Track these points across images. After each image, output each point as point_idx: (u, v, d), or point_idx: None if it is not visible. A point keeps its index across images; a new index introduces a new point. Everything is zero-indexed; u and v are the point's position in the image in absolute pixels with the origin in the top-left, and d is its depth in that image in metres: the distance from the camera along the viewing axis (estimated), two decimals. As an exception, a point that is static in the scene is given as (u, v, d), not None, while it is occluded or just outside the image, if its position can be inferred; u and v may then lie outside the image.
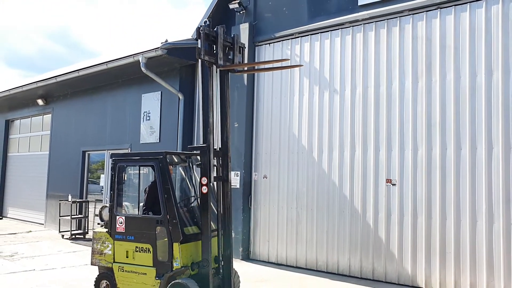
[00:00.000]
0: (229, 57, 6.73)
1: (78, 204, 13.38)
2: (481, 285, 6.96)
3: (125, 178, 6.99)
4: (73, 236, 12.82)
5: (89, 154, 14.13)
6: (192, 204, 7.00)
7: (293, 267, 9.06)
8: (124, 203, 7.02)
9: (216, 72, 6.53)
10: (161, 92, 11.56)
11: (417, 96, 7.81)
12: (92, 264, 6.94)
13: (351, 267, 8.37)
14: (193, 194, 7.17)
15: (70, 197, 13.31)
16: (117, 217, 6.70)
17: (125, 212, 6.92)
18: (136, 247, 6.50)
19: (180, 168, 7.16)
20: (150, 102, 11.85)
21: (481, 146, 7.12)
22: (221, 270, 6.58)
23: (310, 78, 9.19)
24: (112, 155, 6.90)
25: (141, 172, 7.27)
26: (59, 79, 13.20)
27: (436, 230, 7.44)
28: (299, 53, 9.39)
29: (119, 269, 6.59)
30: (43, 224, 15.41)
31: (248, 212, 9.82)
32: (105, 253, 6.77)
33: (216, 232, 6.57)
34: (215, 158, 6.52)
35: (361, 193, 8.34)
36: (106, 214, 7.07)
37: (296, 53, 9.42)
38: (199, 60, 6.30)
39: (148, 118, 11.88)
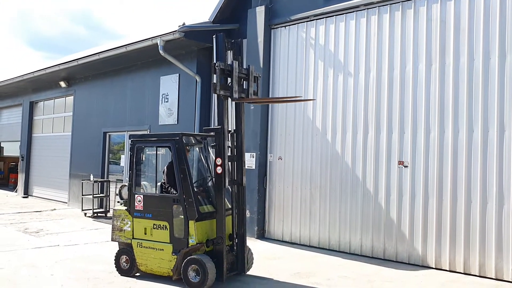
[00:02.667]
0: (244, 87, 6.93)
1: (99, 183, 13.80)
2: (490, 266, 7.08)
3: (143, 159, 7.25)
4: (95, 214, 13.27)
5: (109, 135, 14.51)
6: (208, 184, 7.24)
7: (306, 246, 9.30)
8: (142, 182, 7.32)
9: (232, 102, 6.70)
10: (179, 75, 11.78)
11: (431, 79, 7.85)
12: (112, 240, 7.28)
13: (362, 247, 8.56)
14: (208, 174, 7.41)
15: (92, 176, 13.74)
16: (136, 195, 7.00)
17: (143, 191, 7.21)
18: (154, 224, 6.80)
19: (196, 149, 7.39)
20: (169, 84, 12.08)
21: (493, 129, 7.17)
22: (235, 247, 6.85)
23: (325, 61, 9.27)
24: (130, 136, 7.17)
25: (159, 152, 7.55)
26: (80, 61, 13.50)
27: (447, 211, 7.56)
28: (314, 36, 9.46)
29: (138, 245, 6.91)
30: (66, 202, 15.94)
31: (263, 192, 10.06)
32: (124, 230, 7.09)
33: (231, 211, 6.83)
34: (229, 139, 6.75)
35: (373, 174, 8.47)
36: (125, 193, 7.37)
37: (311, 36, 9.50)
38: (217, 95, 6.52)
39: (166, 100, 12.13)
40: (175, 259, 6.57)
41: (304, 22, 9.63)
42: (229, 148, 6.82)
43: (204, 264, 6.27)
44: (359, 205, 8.63)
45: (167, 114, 12.05)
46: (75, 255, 8.43)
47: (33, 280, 6.74)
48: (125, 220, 7.11)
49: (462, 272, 7.33)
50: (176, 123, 11.74)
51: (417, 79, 8.00)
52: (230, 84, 6.67)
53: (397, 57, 8.27)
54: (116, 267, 7.17)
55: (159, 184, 7.48)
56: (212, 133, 6.86)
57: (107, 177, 14.35)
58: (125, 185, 7.43)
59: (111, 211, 13.66)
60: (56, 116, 17.57)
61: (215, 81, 6.45)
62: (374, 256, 8.38)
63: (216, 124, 10.23)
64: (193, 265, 6.38)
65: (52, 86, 17.15)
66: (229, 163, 6.72)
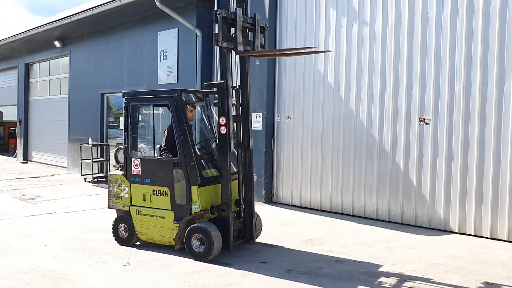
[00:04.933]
0: (250, 39, 6.13)
1: (98, 147, 13.21)
2: (520, 230, 6.51)
3: (140, 119, 6.60)
4: (95, 179, 12.75)
5: (107, 97, 13.82)
6: (211, 146, 6.60)
7: (317, 210, 8.75)
8: (140, 145, 6.70)
9: (236, 56, 5.94)
10: (178, 29, 10.96)
11: (457, 26, 7.05)
12: (109, 207, 6.74)
13: (378, 211, 7.98)
14: (211, 135, 6.77)
15: (90, 140, 13.13)
16: (133, 159, 6.40)
17: (141, 154, 6.59)
18: (153, 190, 6.22)
19: (197, 107, 6.71)
20: (167, 40, 11.29)
21: (528, 80, 6.44)
22: (242, 214, 6.29)
23: (337, 8, 8.44)
24: (124, 94, 6.50)
25: (157, 112, 6.91)
26: (73, 18, 12.67)
27: (473, 172, 6.93)
28: (325, -18, 8.59)
29: (137, 213, 6.36)
30: (66, 167, 15.43)
31: (271, 154, 9.43)
32: (121, 196, 6.53)
33: (237, 175, 6.22)
34: (233, 97, 6.06)
35: (391, 133, 7.80)
36: (121, 156, 6.77)
37: (322, -18, 8.63)
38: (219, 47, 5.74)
39: (165, 57, 11.36)
40: (177, 227, 6.01)
41: (314, -34, 8.74)
42: (234, 107, 6.13)
43: (209, 233, 5.71)
44: (375, 167, 8.00)
45: (167, 73, 11.31)
46: (71, 223, 7.92)
47: (24, 252, 6.23)
48: (122, 185, 6.53)
49: (489, 237, 6.76)
50: (176, 82, 11.02)
51: (441, 26, 7.20)
52: (233, 35, 5.92)
53: (418, 2, 7.44)
54: (114, 236, 6.64)
55: (157, 146, 6.87)
56: (214, 90, 6.17)
57: (107, 141, 13.74)
58: (121, 148, 6.80)
59: (111, 175, 13.16)
60: (53, 78, 16.84)
61: (216, 31, 5.71)
62: (391, 220, 7.81)
63: (219, 80, 9.60)
64: (197, 234, 5.83)
65: (47, 47, 16.33)
66: (234, 123, 6.05)
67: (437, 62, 7.26)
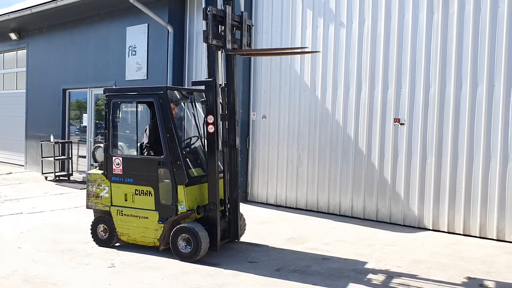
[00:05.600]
0: (236, 37, 6.12)
1: (60, 145, 12.74)
2: (491, 227, 6.82)
3: (120, 116, 6.42)
4: (57, 178, 12.29)
5: (69, 92, 13.33)
6: (195, 145, 6.51)
7: (293, 209, 8.82)
8: (120, 143, 6.52)
9: (223, 53, 5.92)
10: (148, 25, 10.73)
11: (432, 29, 7.29)
12: (87, 207, 6.52)
13: (353, 208, 8.15)
14: (195, 134, 6.69)
15: (52, 137, 12.65)
16: (113, 158, 6.22)
17: (121, 152, 6.42)
18: (136, 190, 6.08)
19: (182, 105, 6.61)
20: (136, 36, 11.02)
21: (499, 83, 6.75)
22: (227, 213, 6.25)
23: (314, 9, 8.53)
24: (105, 90, 6.31)
25: (137, 109, 6.75)
26: (34, 10, 12.12)
27: (446, 170, 7.20)
28: (301, -18, 8.66)
29: (118, 213, 6.20)
30: (23, 165, 14.78)
31: (246, 153, 9.42)
32: (101, 196, 6.34)
33: (222, 175, 6.17)
34: (220, 94, 6.01)
35: (366, 133, 7.98)
36: (100, 155, 6.57)
37: (299, -18, 8.70)
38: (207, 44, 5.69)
39: (134, 53, 11.09)
40: (162, 228, 5.90)
41: (290, -34, 8.79)
42: (220, 106, 6.08)
43: (197, 233, 5.64)
44: (351, 165, 8.16)
45: (135, 69, 11.04)
46: (42, 224, 7.60)
47: (-2, 255, 5.93)
48: (102, 185, 6.33)
49: (462, 233, 7.05)
50: (146, 78, 10.78)
51: (417, 29, 7.43)
52: (221, 33, 5.86)
53: (394, 5, 7.64)
54: (93, 237, 6.43)
55: (138, 144, 6.71)
56: (200, 87, 6.10)
57: (68, 138, 13.27)
58: (100, 146, 6.61)
59: (74, 174, 12.76)
60: (7, 71, 16.06)
61: (205, 28, 5.64)
62: (366, 217, 8.00)
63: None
64: (183, 234, 5.74)
65: (0, 39, 15.55)
66: (220, 122, 6.00)
67: (412, 64, 7.49)
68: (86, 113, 12.64)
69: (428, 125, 7.36)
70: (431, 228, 7.34)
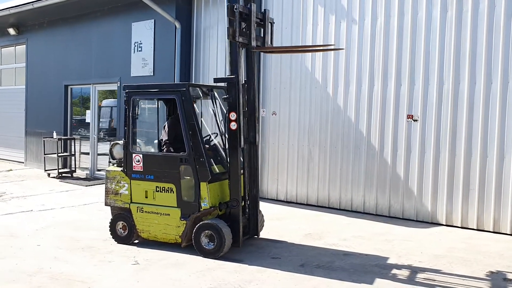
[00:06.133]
0: (259, 35, 6.13)
1: (62, 141, 12.63)
2: (505, 222, 6.92)
3: (138, 113, 6.39)
4: (60, 175, 12.20)
5: (71, 89, 13.22)
6: (215, 141, 6.51)
7: (303, 205, 8.86)
8: (139, 140, 6.50)
9: (243, 50, 5.91)
10: (155, 20, 10.67)
11: (446, 26, 7.35)
12: (106, 204, 6.50)
13: (365, 204, 8.21)
14: (214, 131, 6.68)
15: (55, 134, 12.53)
16: (133, 155, 6.19)
17: (139, 149, 6.40)
18: (157, 186, 6.06)
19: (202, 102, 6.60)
20: (142, 32, 10.95)
21: (514, 80, 6.84)
22: (247, 210, 6.26)
23: (326, 6, 8.55)
24: (125, 87, 6.27)
25: (150, 106, 6.75)
26: (36, 5, 11.97)
27: (460, 166, 7.27)
28: (313, -21, 8.67)
29: (138, 210, 6.18)
30: (23, 162, 14.63)
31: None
32: (121, 193, 6.31)
33: (242, 171, 6.18)
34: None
35: (379, 129, 8.03)
36: (117, 152, 6.56)
37: (310, -21, 8.71)
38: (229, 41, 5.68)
39: (139, 49, 11.03)
40: (184, 225, 5.90)
41: (301, -38, 8.79)
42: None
43: (221, 230, 5.65)
44: (363, 162, 8.21)
45: (141, 65, 10.98)
46: (54, 221, 7.55)
47: (19, 252, 5.88)
48: (121, 182, 6.31)
49: (475, 228, 7.14)
50: (152, 74, 10.73)
51: (431, 26, 7.48)
52: (244, 30, 5.86)
53: (408, 2, 7.68)
54: (111, 234, 6.41)
55: (156, 141, 6.71)
56: (221, 84, 6.09)
57: (70, 135, 13.17)
58: (118, 143, 6.58)
59: (77, 171, 12.67)
60: (5, 67, 15.86)
61: (228, 25, 5.64)
62: (379, 213, 8.06)
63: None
64: (206, 231, 5.75)
65: (-2, 34, 15.37)
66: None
67: (426, 61, 7.55)
68: (90, 109, 12.55)
69: (442, 121, 7.43)
70: (444, 223, 7.42)
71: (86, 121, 12.81)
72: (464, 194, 7.25)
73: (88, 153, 12.79)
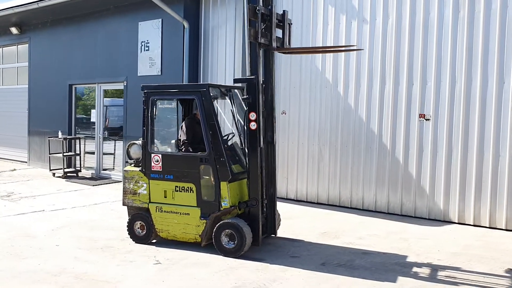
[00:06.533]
0: (277, 36, 6.18)
1: (67, 141, 12.60)
2: (518, 219, 7.02)
3: (156, 113, 6.40)
4: (65, 175, 12.17)
5: (75, 88, 13.19)
6: (231, 142, 6.53)
7: (314, 203, 8.91)
8: (157, 140, 6.52)
9: (263, 51, 5.94)
10: (162, 20, 10.67)
11: (458, 26, 7.42)
12: (124, 204, 6.52)
13: (377, 203, 8.27)
14: (232, 131, 6.72)
15: (60, 133, 12.51)
16: (152, 155, 6.21)
17: (157, 149, 6.42)
18: (176, 186, 6.09)
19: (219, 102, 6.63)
20: (149, 31, 10.95)
21: (526, 79, 6.92)
22: (264, 209, 6.29)
23: (336, 6, 8.59)
24: (143, 87, 6.29)
25: (164, 106, 6.77)
26: (42, 4, 11.94)
27: (472, 165, 7.35)
28: (323, -21, 8.71)
29: (157, 210, 6.20)
30: (26, 162, 14.59)
31: (265, 148, 9.44)
32: (139, 193, 6.33)
33: (260, 170, 6.21)
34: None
35: (390, 128, 8.09)
36: (134, 152, 6.58)
37: (320, -22, 8.74)
38: (249, 42, 5.70)
39: (146, 48, 11.02)
40: (204, 224, 5.93)
41: (311, -38, 8.82)
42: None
43: (241, 229, 5.69)
44: (374, 161, 8.27)
45: (149, 64, 10.98)
46: (68, 221, 7.55)
47: (39, 253, 5.89)
48: (140, 182, 6.33)
49: (488, 226, 7.22)
50: (160, 74, 10.73)
51: (443, 26, 7.54)
52: (264, 31, 5.89)
53: (420, 2, 7.74)
54: (129, 234, 6.42)
55: (173, 141, 6.73)
56: (239, 85, 6.12)
57: (75, 134, 13.15)
58: (135, 143, 6.60)
59: (82, 170, 12.65)
60: (7, 66, 15.79)
61: (247, 26, 5.67)
62: (390, 212, 8.13)
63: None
64: (227, 230, 5.78)
65: (0, 33, 15.28)
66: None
67: (438, 60, 7.61)
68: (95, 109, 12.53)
69: (454, 120, 7.50)
70: (456, 221, 7.50)
71: (92, 120, 12.79)
72: (476, 192, 7.33)
73: (91, 153, 12.80)
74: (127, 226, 6.43)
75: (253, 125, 5.80)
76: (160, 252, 5.99)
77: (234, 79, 6.14)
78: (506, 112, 7.08)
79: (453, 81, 7.49)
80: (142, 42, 11.10)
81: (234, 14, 9.88)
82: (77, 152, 12.71)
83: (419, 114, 7.81)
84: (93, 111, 12.74)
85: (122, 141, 11.66)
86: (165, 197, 6.17)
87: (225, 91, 6.50)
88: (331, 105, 8.70)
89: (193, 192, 5.99)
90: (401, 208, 8.04)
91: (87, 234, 6.81)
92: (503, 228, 7.10)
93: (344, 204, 8.62)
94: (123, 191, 6.46)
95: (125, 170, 6.49)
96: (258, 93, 5.79)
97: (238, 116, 6.55)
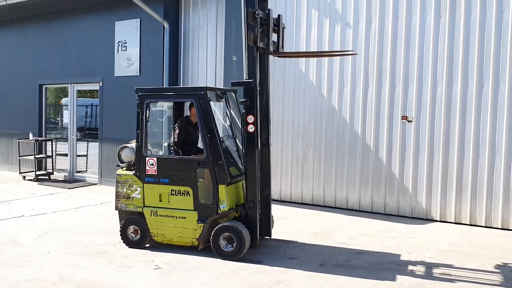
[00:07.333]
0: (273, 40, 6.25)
1: (38, 143, 12.21)
2: (496, 217, 7.35)
3: (149, 116, 6.33)
4: (37, 178, 11.80)
5: (46, 88, 12.80)
6: (226, 144, 6.54)
7: (298, 203, 9.04)
8: (150, 143, 6.45)
9: (259, 54, 5.96)
10: (140, 20, 10.51)
11: (439, 31, 7.70)
12: (116, 209, 6.42)
13: (361, 202, 8.48)
14: (227, 133, 6.72)
15: (31, 135, 12.10)
16: (147, 158, 6.14)
17: (150, 153, 6.35)
18: (172, 190, 6.05)
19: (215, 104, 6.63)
20: (127, 31, 10.76)
21: (504, 83, 7.25)
22: (259, 211, 6.34)
23: (320, 9, 8.73)
24: (137, 90, 6.20)
25: (156, 108, 6.71)
26: (10, 1, 11.52)
27: (453, 165, 7.65)
28: (306, -18, 8.84)
29: (152, 214, 6.15)
30: (-11, 164, 14.03)
31: (249, 149, 9.49)
32: (133, 197, 6.25)
33: (254, 172, 6.25)
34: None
35: (374, 129, 8.30)
36: (126, 155, 6.48)
37: (303, -18, 8.86)
38: (247, 46, 5.77)
39: (124, 48, 10.83)
40: (201, 228, 5.92)
41: (293, -35, 8.93)
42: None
43: (240, 232, 5.72)
44: (358, 161, 8.47)
45: (126, 65, 10.79)
46: (53, 226, 7.36)
47: (32, 260, 5.71)
48: (133, 186, 6.24)
49: (468, 223, 7.54)
50: (138, 74, 10.56)
51: (425, 31, 7.81)
52: (261, 35, 5.93)
53: (402, 7, 7.97)
54: (122, 238, 6.33)
55: (165, 144, 6.68)
56: (234, 88, 6.16)
57: (45, 136, 12.76)
58: (126, 146, 6.49)
59: (55, 173, 12.30)
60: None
61: (246, 30, 5.71)
62: (374, 211, 8.35)
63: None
64: (225, 233, 5.80)
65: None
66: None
67: (420, 65, 7.87)
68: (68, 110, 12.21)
69: (436, 123, 7.78)
70: (438, 220, 7.79)
71: (64, 121, 12.47)
72: (457, 192, 7.63)
73: (63, 155, 12.48)
74: (120, 231, 6.33)
75: (251, 128, 5.84)
76: (157, 256, 5.93)
77: (231, 82, 6.13)
78: (485, 115, 7.40)
79: (435, 85, 7.77)
80: (119, 42, 10.90)
81: (216, 15, 9.86)
82: (49, 154, 12.35)
83: (402, 116, 8.06)
84: (65, 112, 12.41)
85: (97, 142, 11.41)
86: (161, 201, 6.11)
87: (221, 94, 6.51)
88: (315, 107, 8.84)
89: (190, 195, 5.97)
90: (385, 207, 8.27)
91: (76, 239, 6.66)
92: (483, 225, 7.44)
93: (328, 204, 8.78)
94: (116, 195, 6.35)
95: (117, 174, 6.38)
96: (255, 96, 5.83)
97: (232, 119, 6.56)
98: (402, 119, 8.06)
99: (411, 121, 7.99)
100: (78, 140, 12.16)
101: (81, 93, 12.30)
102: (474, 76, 7.46)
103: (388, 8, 8.10)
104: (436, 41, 7.73)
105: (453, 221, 7.68)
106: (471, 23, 7.47)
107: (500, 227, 7.32)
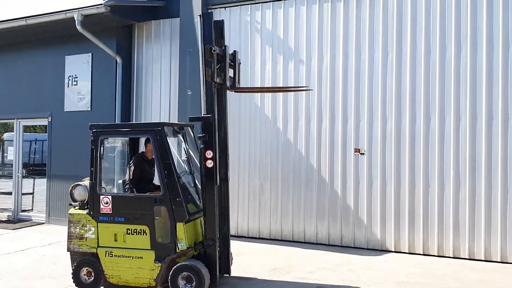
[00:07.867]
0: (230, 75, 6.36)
1: (-20, 181, 11.61)
2: (448, 246, 7.58)
3: (103, 153, 6.17)
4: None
5: (-10, 124, 12.28)
6: (183, 181, 6.45)
7: (255, 238, 8.97)
8: (104, 181, 6.26)
9: (217, 89, 6.05)
10: (92, 54, 10.37)
11: (387, 67, 8.04)
12: (68, 250, 6.15)
13: (318, 235, 8.53)
14: (184, 169, 6.64)
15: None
16: (101, 196, 5.95)
17: (105, 191, 6.17)
18: (128, 229, 5.88)
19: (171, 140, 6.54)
20: (78, 65, 10.56)
21: (450, 117, 7.62)
22: (218, 248, 6.24)
23: (273, 46, 8.94)
24: (92, 126, 6.05)
25: (110, 145, 6.57)
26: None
27: (405, 196, 7.88)
28: (260, 20, 9.05)
29: (107, 254, 5.92)
30: None
31: (204, 184, 9.40)
32: (86, 237, 6.01)
33: (212, 209, 6.18)
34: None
35: (328, 162, 8.46)
36: (79, 194, 6.26)
37: (257, 20, 9.07)
38: (205, 81, 5.86)
39: (75, 83, 10.60)
40: (159, 267, 5.74)
41: (248, 4, 9.13)
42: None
43: (200, 271, 5.60)
44: (314, 194, 8.56)
45: (77, 99, 10.55)
46: (6, 270, 6.92)
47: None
48: (87, 226, 6.00)
49: (422, 253, 7.73)
50: (89, 109, 10.35)
51: (373, 67, 8.14)
52: (218, 71, 5.98)
53: (351, 45, 8.30)
54: (74, 281, 6.03)
55: (120, 181, 6.51)
56: (191, 123, 6.13)
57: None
58: (79, 184, 6.27)
59: (-2, 213, 11.68)
60: None
61: (204, 67, 5.78)
62: (331, 243, 8.41)
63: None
64: (184, 273, 5.65)
65: None
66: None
67: (370, 99, 8.16)
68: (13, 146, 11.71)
69: (387, 155, 8.03)
70: (393, 250, 7.94)
71: (8, 158, 11.93)
72: (410, 222, 7.84)
73: (7, 193, 11.91)
74: (72, 273, 6.04)
75: (209, 163, 5.81)
76: (113, 299, 5.69)
77: (190, 117, 6.12)
78: (433, 146, 7.72)
79: (384, 119, 8.06)
80: (70, 76, 10.67)
81: (169, 50, 9.89)
82: (-8, 193, 11.74)
83: (355, 149, 8.27)
84: (10, 148, 11.89)
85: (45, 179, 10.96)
86: (116, 240, 5.90)
87: (178, 129, 6.46)
88: (271, 140, 8.93)
89: (146, 234, 5.80)
90: (341, 239, 8.36)
91: (24, 284, 6.30)
92: (436, 255, 7.64)
93: (286, 238, 8.77)
94: (68, 236, 6.08)
95: (70, 214, 6.13)
96: (214, 131, 5.83)
97: (189, 154, 6.50)
98: (355, 151, 8.27)
99: (363, 154, 8.21)
100: (23, 177, 11.64)
101: (24, 128, 11.85)
102: (421, 109, 7.81)
103: (338, 45, 8.41)
104: (385, 77, 8.06)
105: (407, 251, 7.85)
106: (417, 58, 7.86)
107: (452, 256, 7.54)
